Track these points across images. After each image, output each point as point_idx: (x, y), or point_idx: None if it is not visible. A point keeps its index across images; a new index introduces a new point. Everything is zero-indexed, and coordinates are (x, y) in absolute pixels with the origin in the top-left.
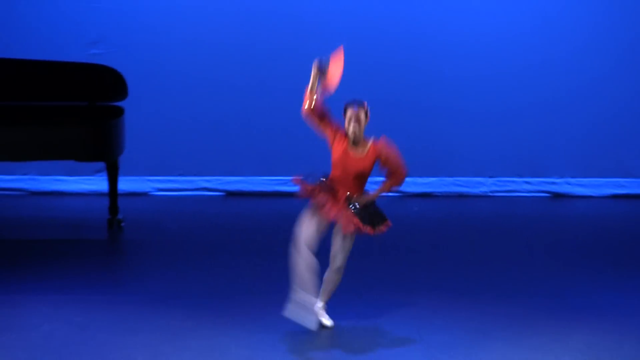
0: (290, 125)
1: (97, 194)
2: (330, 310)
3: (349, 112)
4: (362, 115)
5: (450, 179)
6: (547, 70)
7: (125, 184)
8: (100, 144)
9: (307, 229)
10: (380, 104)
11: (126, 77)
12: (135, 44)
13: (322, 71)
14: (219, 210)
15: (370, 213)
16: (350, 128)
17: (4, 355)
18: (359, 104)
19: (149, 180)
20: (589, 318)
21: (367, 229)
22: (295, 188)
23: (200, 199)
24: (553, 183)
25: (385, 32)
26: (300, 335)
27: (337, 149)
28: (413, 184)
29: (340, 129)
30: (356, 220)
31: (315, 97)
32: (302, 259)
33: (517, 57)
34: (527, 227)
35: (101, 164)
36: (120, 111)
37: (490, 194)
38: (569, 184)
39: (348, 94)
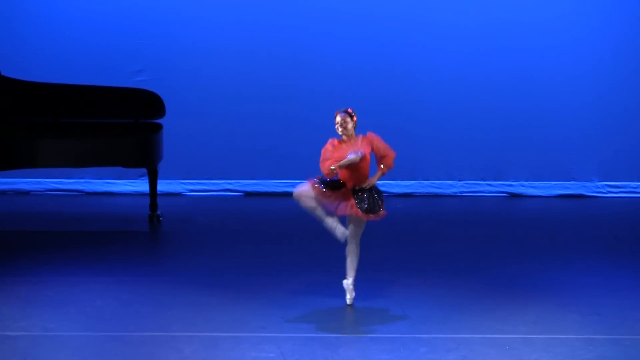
0: (297, 137)
1: (140, 194)
2: (330, 291)
3: (338, 117)
4: (348, 119)
5: (427, 181)
6: (503, 93)
7: (163, 186)
8: (143, 153)
9: (306, 191)
10: (368, 118)
11: (164, 100)
12: (171, 73)
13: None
14: (239, 208)
15: (374, 199)
16: (340, 130)
17: (66, 324)
18: (344, 110)
19: (182, 183)
20: (540, 295)
21: (370, 217)
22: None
23: (224, 198)
24: (510, 185)
25: (367, 45)
26: (304, 310)
27: (340, 154)
28: (396, 186)
29: (332, 143)
30: (356, 209)
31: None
32: (307, 199)
33: (478, 81)
34: (489, 221)
35: (144, 170)
36: (159, 127)
37: (460, 194)
38: (523, 186)
39: (333, 102)
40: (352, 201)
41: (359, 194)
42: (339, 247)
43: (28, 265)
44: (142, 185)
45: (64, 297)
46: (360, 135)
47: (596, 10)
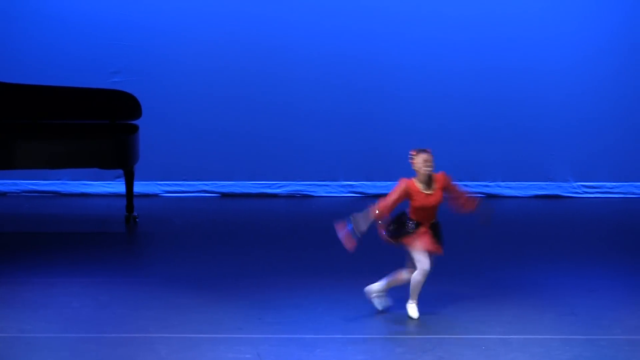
0: (274, 138)
1: (116, 195)
2: (306, 292)
3: (425, 156)
4: (432, 159)
5: None
6: (478, 94)
7: (139, 187)
8: (119, 154)
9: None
10: (343, 120)
11: (141, 101)
12: (148, 74)
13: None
14: (215, 209)
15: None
16: (428, 169)
17: (43, 326)
18: (428, 150)
19: (158, 184)
20: (516, 295)
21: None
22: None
23: (200, 200)
24: (487, 186)
25: (341, 45)
26: (281, 311)
27: (417, 199)
28: (373, 187)
29: (407, 187)
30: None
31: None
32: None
33: (453, 82)
34: (465, 222)
35: (120, 171)
36: (135, 128)
37: None
38: (499, 186)
39: (309, 102)
40: (431, 238)
41: (434, 230)
42: (314, 249)
43: (4, 266)
44: (119, 187)
45: (41, 299)
46: (435, 174)
47: (575, 12)
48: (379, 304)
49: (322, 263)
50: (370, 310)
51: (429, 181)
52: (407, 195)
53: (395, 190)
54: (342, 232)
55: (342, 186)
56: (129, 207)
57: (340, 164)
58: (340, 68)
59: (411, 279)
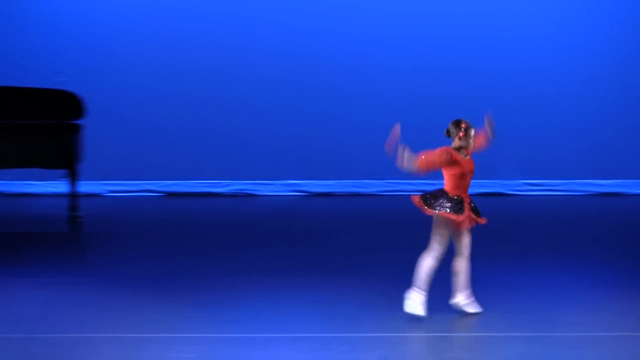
0: (217, 138)
1: (60, 195)
2: (250, 291)
3: (473, 131)
4: None
5: (347, 181)
6: (424, 92)
7: (83, 187)
8: (63, 154)
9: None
10: (289, 119)
11: (86, 101)
12: (90, 74)
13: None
14: (160, 208)
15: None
16: (474, 142)
17: None
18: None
19: (102, 184)
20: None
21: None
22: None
23: (145, 199)
24: (429, 184)
25: (289, 46)
26: (224, 311)
27: (462, 164)
28: (317, 186)
29: (452, 154)
30: (477, 218)
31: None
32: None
33: (400, 81)
34: (408, 220)
35: (64, 171)
36: (79, 128)
37: (380, 194)
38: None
39: (252, 101)
40: (470, 213)
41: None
42: (258, 248)
43: None
44: (63, 187)
45: None
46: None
47: (537, 18)
48: (474, 307)
49: (266, 262)
50: (314, 308)
51: (464, 151)
52: (449, 162)
53: (436, 153)
54: (394, 140)
55: (286, 185)
56: (73, 207)
57: (284, 162)
58: (285, 68)
59: (424, 266)
